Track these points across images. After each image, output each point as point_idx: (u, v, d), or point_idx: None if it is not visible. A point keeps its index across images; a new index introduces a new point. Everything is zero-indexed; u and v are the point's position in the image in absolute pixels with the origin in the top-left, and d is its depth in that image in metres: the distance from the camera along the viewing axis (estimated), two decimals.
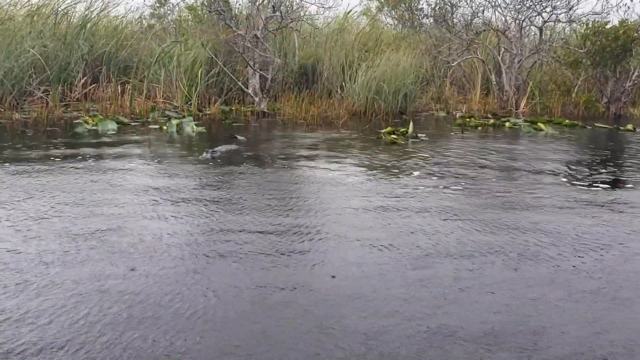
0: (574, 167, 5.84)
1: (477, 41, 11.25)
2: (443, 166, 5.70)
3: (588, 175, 5.43)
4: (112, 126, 7.85)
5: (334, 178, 5.02)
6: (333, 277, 2.87)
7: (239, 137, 7.01)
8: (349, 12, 14.52)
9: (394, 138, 7.19)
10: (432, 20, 16.12)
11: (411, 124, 7.83)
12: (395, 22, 16.54)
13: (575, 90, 10.96)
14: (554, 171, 5.59)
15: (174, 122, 7.91)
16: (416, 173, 5.28)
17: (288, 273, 2.90)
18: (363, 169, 5.51)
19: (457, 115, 10.19)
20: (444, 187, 4.77)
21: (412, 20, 16.33)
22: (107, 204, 4.00)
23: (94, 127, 7.74)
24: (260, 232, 3.49)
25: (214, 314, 2.44)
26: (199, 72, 10.06)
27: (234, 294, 2.64)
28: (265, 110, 9.95)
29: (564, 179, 5.21)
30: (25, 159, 5.44)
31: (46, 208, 3.86)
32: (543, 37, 11.13)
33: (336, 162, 5.74)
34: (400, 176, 5.18)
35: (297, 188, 4.63)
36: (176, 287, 2.69)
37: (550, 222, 3.83)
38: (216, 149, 6.03)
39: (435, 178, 5.13)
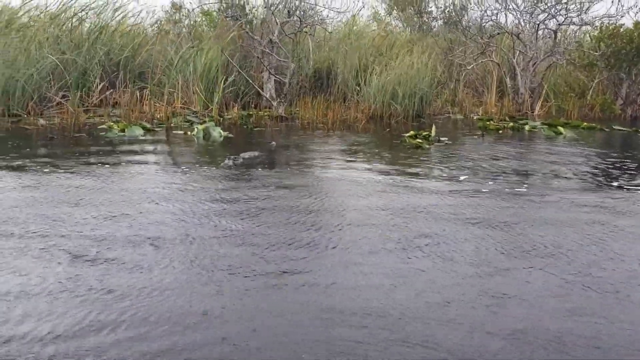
0: (614, 171, 6.02)
1: (491, 44, 11.45)
2: (482, 171, 5.88)
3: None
4: (138, 132, 8.03)
5: (371, 183, 5.19)
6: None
7: (270, 143, 7.16)
8: (355, 15, 14.68)
9: (419, 142, 7.37)
10: (441, 23, 16.36)
11: (433, 127, 8.03)
12: (404, 24, 16.75)
13: (590, 92, 11.16)
14: (598, 174, 5.79)
15: (200, 127, 8.07)
16: (462, 177, 5.45)
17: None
18: (403, 176, 5.68)
19: (475, 118, 10.39)
20: (493, 193, 4.96)
21: (422, 23, 16.54)
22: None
23: (122, 133, 7.90)
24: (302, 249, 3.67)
25: None
26: (219, 77, 10.24)
27: None
28: (284, 114, 10.13)
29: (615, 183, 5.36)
30: (84, 164, 5.62)
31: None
32: (557, 39, 11.34)
33: (368, 169, 5.92)
34: (447, 181, 5.36)
35: (340, 201, 4.79)
36: None
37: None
38: (241, 155, 6.13)
39: (477, 183, 5.31)
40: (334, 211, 4.23)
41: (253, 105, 10.88)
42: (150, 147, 7.01)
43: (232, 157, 5.99)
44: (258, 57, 10.30)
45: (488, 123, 9.44)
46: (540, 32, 11.38)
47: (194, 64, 10.54)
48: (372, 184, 5.13)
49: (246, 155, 6.20)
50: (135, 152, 6.60)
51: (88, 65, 10.13)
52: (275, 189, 4.86)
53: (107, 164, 5.80)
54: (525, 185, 5.17)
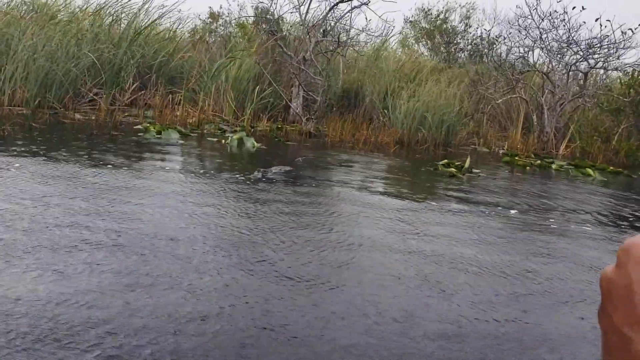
0: None
1: (521, 81, 11.63)
2: (532, 207, 5.97)
3: None
4: (174, 135, 8.15)
5: (414, 215, 5.28)
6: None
7: (301, 158, 7.23)
8: (385, 41, 14.92)
9: (454, 171, 7.48)
10: (467, 55, 16.60)
11: (468, 158, 8.14)
12: (431, 53, 16.99)
13: (616, 137, 11.30)
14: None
15: (235, 137, 8.19)
16: (513, 212, 5.54)
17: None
18: (447, 205, 5.77)
19: (501, 153, 10.51)
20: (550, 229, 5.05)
21: (448, 54, 16.78)
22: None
23: (159, 136, 8.01)
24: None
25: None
26: (255, 88, 10.41)
27: None
28: (312, 131, 10.26)
29: None
30: (135, 162, 5.73)
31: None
32: (588, 82, 11.51)
33: (407, 197, 6.00)
34: (496, 215, 5.46)
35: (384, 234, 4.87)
36: None
37: None
38: (272, 169, 6.21)
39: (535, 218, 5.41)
40: (369, 245, 4.30)
41: (281, 119, 11.03)
42: (188, 152, 7.12)
43: (261, 170, 6.05)
44: (294, 73, 10.46)
45: (516, 159, 9.55)
46: (570, 74, 11.55)
47: (227, 73, 10.71)
48: (417, 215, 5.21)
49: (276, 169, 6.24)
50: (174, 154, 6.71)
51: (124, 65, 10.28)
52: (302, 209, 4.94)
53: (150, 166, 5.90)
54: (587, 225, 5.25)
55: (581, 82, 11.69)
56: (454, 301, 3.09)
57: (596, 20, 11.09)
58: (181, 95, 10.48)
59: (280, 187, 5.52)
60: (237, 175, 5.87)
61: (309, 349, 2.40)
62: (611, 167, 9.60)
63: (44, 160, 5.49)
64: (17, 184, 4.48)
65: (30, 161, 5.36)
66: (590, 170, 8.93)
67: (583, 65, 11.53)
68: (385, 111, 10.97)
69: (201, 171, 5.89)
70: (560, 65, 11.73)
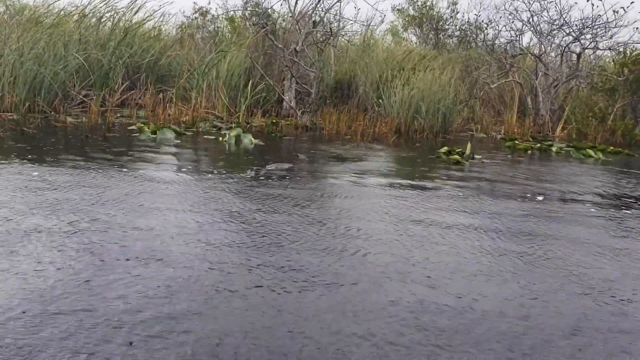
0: None
1: (515, 64, 11.57)
2: (555, 192, 5.90)
3: None
4: (170, 135, 8.00)
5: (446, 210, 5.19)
6: None
7: (301, 156, 7.08)
8: (371, 28, 14.78)
9: (458, 158, 7.40)
10: (455, 41, 16.54)
11: (469, 144, 8.07)
12: (420, 40, 16.91)
13: (611, 117, 11.28)
14: None
15: (232, 134, 8.05)
16: (540, 197, 5.46)
17: None
18: (465, 194, 5.69)
19: (498, 137, 10.46)
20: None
21: (437, 40, 16.71)
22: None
23: (154, 136, 7.86)
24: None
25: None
26: (247, 83, 10.27)
27: None
28: (308, 124, 10.14)
29: None
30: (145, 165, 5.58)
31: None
32: (580, 63, 11.48)
33: (421, 188, 5.91)
34: (524, 201, 5.38)
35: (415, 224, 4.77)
36: None
37: None
38: (271, 166, 6.06)
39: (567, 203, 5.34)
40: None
41: (274, 114, 10.90)
42: (186, 152, 6.98)
43: (255, 168, 5.89)
44: (287, 66, 10.32)
45: (516, 143, 9.49)
46: (563, 55, 11.51)
47: (218, 69, 10.56)
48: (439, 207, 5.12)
49: (273, 167, 6.10)
50: (172, 154, 6.57)
51: (112, 65, 10.09)
52: (317, 213, 4.84)
53: (150, 167, 5.76)
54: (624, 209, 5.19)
55: (574, 63, 11.65)
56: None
57: (587, 0, 11.05)
58: (172, 94, 10.31)
59: (286, 183, 5.40)
60: (240, 173, 5.75)
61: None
62: (611, 147, 9.57)
63: (49, 166, 5.33)
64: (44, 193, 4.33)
65: (39, 168, 5.20)
66: (591, 151, 8.90)
67: (576, 47, 11.50)
68: (380, 101, 10.87)
69: (204, 170, 5.76)
70: (552, 47, 11.68)
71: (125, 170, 5.41)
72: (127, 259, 3.10)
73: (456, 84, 11.17)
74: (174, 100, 10.11)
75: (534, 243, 3.95)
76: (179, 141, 7.75)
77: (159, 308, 2.55)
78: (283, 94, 10.94)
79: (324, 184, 5.46)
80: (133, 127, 8.44)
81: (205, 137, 8.34)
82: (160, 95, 10.46)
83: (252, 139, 8.11)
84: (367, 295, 2.86)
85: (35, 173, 5.00)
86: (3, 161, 5.44)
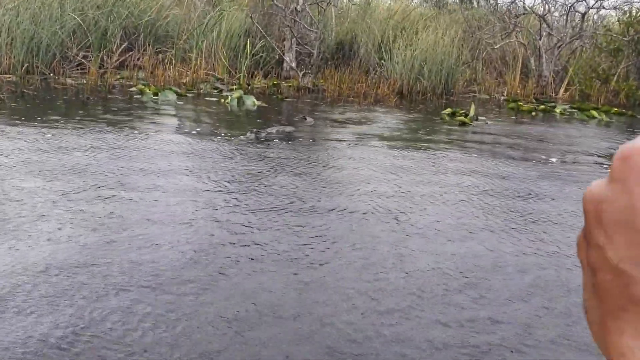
0: None
1: (518, 25, 11.45)
2: (568, 153, 5.91)
3: None
4: (171, 96, 7.94)
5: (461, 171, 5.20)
6: None
7: (308, 119, 7.04)
8: None
9: (463, 120, 7.39)
10: (457, 0, 16.27)
11: (472, 106, 8.05)
12: (421, 0, 16.63)
13: (615, 78, 11.22)
14: None
15: (235, 95, 8.00)
16: (553, 159, 5.47)
17: None
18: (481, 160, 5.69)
19: (501, 99, 10.43)
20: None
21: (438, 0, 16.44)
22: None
23: (155, 97, 7.81)
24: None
25: None
26: (247, 44, 10.14)
27: None
28: (309, 85, 10.07)
29: None
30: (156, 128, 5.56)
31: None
32: (585, 23, 11.35)
33: (432, 149, 5.91)
34: (537, 163, 5.39)
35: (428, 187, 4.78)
36: None
37: None
38: (269, 129, 6.02)
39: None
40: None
41: (275, 75, 10.80)
42: (189, 113, 6.95)
43: (254, 130, 5.80)
44: (288, 26, 10.18)
45: (519, 104, 9.46)
46: (568, 15, 11.38)
47: (218, 29, 10.41)
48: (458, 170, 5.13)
49: (273, 129, 6.01)
50: (176, 117, 6.55)
51: (110, 26, 9.94)
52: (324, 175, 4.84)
53: (156, 129, 5.75)
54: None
55: (579, 23, 11.51)
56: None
57: None
58: (172, 55, 10.19)
59: (295, 146, 5.40)
60: (245, 135, 5.73)
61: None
62: (615, 109, 9.55)
63: (60, 128, 5.31)
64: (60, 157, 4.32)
65: (50, 130, 5.18)
66: (594, 113, 8.89)
67: (581, 7, 11.35)
68: (383, 62, 10.77)
69: (209, 132, 5.75)
70: (556, 7, 11.53)
71: (136, 132, 5.40)
72: (148, 219, 3.13)
73: (459, 44, 11.06)
74: (173, 61, 9.99)
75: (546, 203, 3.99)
76: (181, 103, 7.71)
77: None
78: (283, 55, 10.82)
79: (327, 146, 5.46)
80: (133, 88, 8.38)
81: (206, 98, 8.29)
82: (159, 57, 10.34)
83: (255, 100, 8.07)
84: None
85: (49, 135, 5.00)
86: (16, 122, 5.41)
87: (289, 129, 6.18)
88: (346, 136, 6.01)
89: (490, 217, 3.57)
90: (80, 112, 6.33)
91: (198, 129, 5.88)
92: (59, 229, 2.87)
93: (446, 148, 5.77)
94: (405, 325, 2.28)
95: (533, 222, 3.57)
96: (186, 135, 5.47)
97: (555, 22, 11.42)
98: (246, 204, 3.51)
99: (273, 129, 6.03)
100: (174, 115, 6.65)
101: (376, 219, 3.40)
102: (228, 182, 3.98)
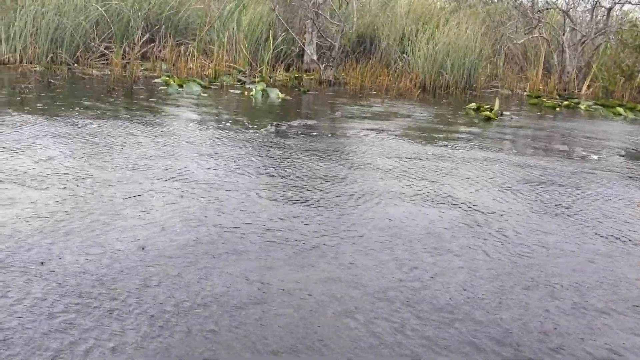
0: None
1: (542, 20, 11.42)
2: (607, 150, 5.92)
3: None
4: (196, 88, 8.01)
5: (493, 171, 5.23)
6: None
7: (337, 113, 7.05)
8: None
9: (489, 114, 7.41)
10: None
11: (497, 100, 8.07)
12: None
13: None
14: None
15: (259, 88, 8.06)
16: (595, 157, 5.48)
17: None
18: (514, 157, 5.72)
19: (524, 95, 10.42)
20: None
21: None
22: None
23: (180, 89, 7.89)
24: None
25: None
26: (269, 37, 10.20)
27: None
28: (331, 78, 10.11)
29: None
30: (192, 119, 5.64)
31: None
32: (611, 18, 11.30)
33: (453, 146, 5.94)
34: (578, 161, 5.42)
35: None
36: None
37: None
38: (292, 122, 6.01)
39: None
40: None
41: (295, 68, 10.86)
42: (215, 105, 7.02)
43: (275, 123, 5.78)
44: (310, 18, 10.23)
45: (543, 100, 9.46)
46: (594, 10, 11.33)
47: (239, 21, 10.47)
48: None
49: (296, 122, 5.98)
50: (204, 108, 6.62)
51: (133, 17, 10.02)
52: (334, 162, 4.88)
53: (187, 122, 5.83)
54: None
55: (604, 18, 11.46)
56: None
57: None
58: (193, 47, 10.26)
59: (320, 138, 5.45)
60: (274, 126, 5.79)
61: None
62: None
63: (101, 119, 5.40)
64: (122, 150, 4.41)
65: (96, 120, 5.27)
66: (620, 110, 8.87)
67: (606, 2, 11.30)
68: (404, 55, 10.79)
69: (238, 124, 5.81)
70: (579, 2, 11.48)
71: (167, 122, 5.48)
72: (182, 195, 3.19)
73: (482, 39, 11.05)
74: (195, 54, 10.06)
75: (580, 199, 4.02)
76: (206, 95, 7.77)
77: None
78: (304, 48, 10.87)
79: (355, 141, 5.51)
80: (157, 80, 8.46)
81: (230, 91, 8.35)
82: (181, 49, 10.41)
83: (279, 93, 8.12)
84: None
85: (95, 125, 5.10)
86: (59, 112, 5.51)
87: (315, 121, 6.23)
88: (370, 131, 6.05)
89: (555, 218, 3.61)
90: (114, 103, 6.41)
91: (229, 122, 5.95)
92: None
93: (481, 142, 5.80)
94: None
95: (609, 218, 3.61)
96: (220, 128, 5.53)
97: (579, 18, 11.37)
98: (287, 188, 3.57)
99: (300, 122, 6.07)
100: (202, 107, 6.72)
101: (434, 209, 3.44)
102: (271, 166, 4.04)
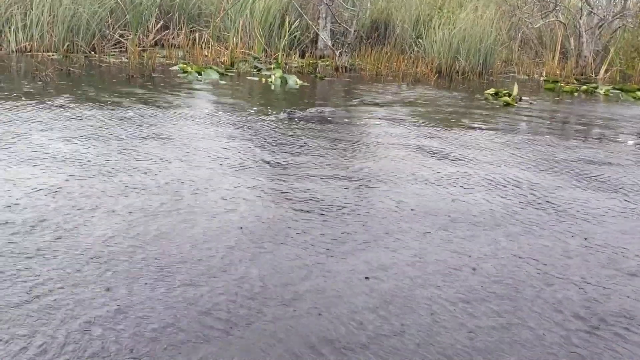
0: None
1: (559, 4, 11.37)
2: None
3: None
4: (214, 75, 8.06)
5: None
6: None
7: (357, 101, 7.05)
8: None
9: (508, 100, 7.42)
10: None
11: (515, 86, 8.07)
12: None
13: None
14: None
15: (277, 75, 8.10)
16: (631, 142, 5.51)
17: None
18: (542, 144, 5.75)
19: (542, 80, 10.41)
20: None
21: None
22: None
23: (200, 77, 7.94)
24: None
25: None
26: (283, 23, 10.22)
27: None
28: (346, 65, 10.12)
29: None
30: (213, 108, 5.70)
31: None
32: (629, 1, 11.25)
33: (480, 129, 5.97)
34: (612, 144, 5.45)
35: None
36: None
37: None
38: (310, 110, 5.97)
39: None
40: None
41: (309, 54, 10.88)
42: (235, 92, 7.07)
43: (288, 110, 5.72)
44: (326, 4, 10.23)
45: (561, 85, 9.45)
46: None
47: (252, 8, 10.47)
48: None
49: (314, 110, 5.91)
50: (225, 95, 6.67)
51: (146, 4, 10.05)
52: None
53: (212, 108, 5.89)
54: None
55: (622, 1, 11.40)
56: None
57: None
58: (208, 34, 10.29)
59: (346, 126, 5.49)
60: (298, 113, 5.84)
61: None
62: None
63: (135, 106, 5.46)
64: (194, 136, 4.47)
65: (131, 107, 5.33)
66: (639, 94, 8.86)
67: None
68: (420, 41, 10.78)
69: (261, 111, 5.86)
70: None
71: (195, 109, 5.54)
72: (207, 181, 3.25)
73: (497, 24, 11.03)
74: (211, 41, 10.09)
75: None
76: (224, 82, 7.82)
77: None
78: (318, 34, 10.88)
79: (383, 127, 5.55)
80: (174, 67, 8.50)
81: (248, 78, 8.39)
82: (195, 35, 10.44)
83: (297, 79, 8.16)
84: None
85: (131, 113, 5.18)
86: (95, 100, 5.58)
87: (341, 108, 6.25)
88: (394, 117, 6.09)
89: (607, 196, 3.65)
90: (140, 91, 6.48)
91: (253, 108, 5.99)
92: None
93: (508, 128, 5.84)
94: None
95: None
96: (244, 115, 5.58)
97: (596, 1, 11.32)
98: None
99: (313, 110, 5.94)
100: (223, 95, 6.77)
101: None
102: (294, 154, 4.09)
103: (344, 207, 3.19)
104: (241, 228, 2.81)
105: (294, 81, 8.09)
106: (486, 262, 2.63)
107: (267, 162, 3.95)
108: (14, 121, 4.59)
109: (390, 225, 2.98)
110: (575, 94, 9.03)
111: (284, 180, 3.58)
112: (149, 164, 3.72)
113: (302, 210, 3.11)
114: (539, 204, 3.48)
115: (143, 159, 3.80)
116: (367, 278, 2.40)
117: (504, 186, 3.78)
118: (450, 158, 4.40)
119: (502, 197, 3.56)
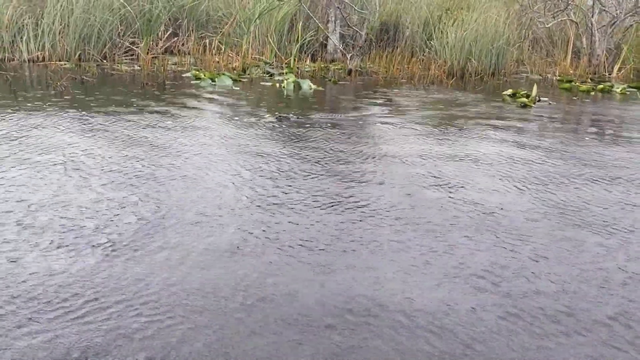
0: None
1: (571, 2, 11.35)
2: None
3: None
4: (228, 82, 8.06)
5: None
6: None
7: (387, 102, 7.03)
8: None
9: (526, 101, 7.40)
10: None
11: (535, 86, 8.04)
12: None
13: None
14: None
15: (291, 80, 8.10)
16: None
17: None
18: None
19: (555, 80, 10.38)
20: None
21: None
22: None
23: (213, 83, 7.94)
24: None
25: None
26: (294, 27, 10.22)
27: None
28: (358, 68, 10.11)
29: None
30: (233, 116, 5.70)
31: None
32: None
33: (504, 128, 5.94)
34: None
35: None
36: None
37: None
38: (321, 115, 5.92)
39: None
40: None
41: (319, 58, 10.87)
42: (250, 97, 7.06)
43: (278, 114, 5.70)
44: (337, 7, 10.23)
45: (577, 85, 9.42)
46: None
47: (270, 18, 10.47)
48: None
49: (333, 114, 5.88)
50: (241, 101, 6.67)
51: (156, 11, 10.07)
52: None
53: (230, 114, 5.88)
54: None
55: None
56: None
57: None
58: (218, 40, 10.29)
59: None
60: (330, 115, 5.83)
61: None
62: None
63: (150, 115, 5.46)
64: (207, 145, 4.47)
65: (146, 116, 5.34)
66: None
67: None
68: (431, 43, 10.77)
69: (280, 116, 5.86)
70: None
71: (216, 115, 5.54)
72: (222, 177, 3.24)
73: (510, 24, 11.01)
74: (222, 48, 10.09)
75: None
76: (238, 88, 7.81)
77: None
78: (327, 38, 10.88)
79: (418, 130, 5.53)
80: (187, 74, 8.50)
81: (261, 83, 8.38)
82: (205, 42, 10.45)
83: (311, 84, 8.15)
84: None
85: (145, 122, 5.18)
86: (115, 109, 5.59)
87: (369, 112, 6.24)
88: (414, 122, 6.07)
89: None
90: (156, 99, 6.47)
91: (267, 114, 5.98)
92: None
93: (521, 128, 5.81)
94: None
95: None
96: (260, 120, 5.57)
97: (607, 0, 11.28)
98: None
99: (282, 116, 5.83)
100: (237, 100, 6.76)
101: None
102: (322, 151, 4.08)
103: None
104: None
105: (307, 86, 8.08)
106: None
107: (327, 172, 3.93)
108: (47, 128, 4.59)
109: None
110: (592, 93, 8.99)
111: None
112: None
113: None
114: None
115: (189, 166, 3.79)
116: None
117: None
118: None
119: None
